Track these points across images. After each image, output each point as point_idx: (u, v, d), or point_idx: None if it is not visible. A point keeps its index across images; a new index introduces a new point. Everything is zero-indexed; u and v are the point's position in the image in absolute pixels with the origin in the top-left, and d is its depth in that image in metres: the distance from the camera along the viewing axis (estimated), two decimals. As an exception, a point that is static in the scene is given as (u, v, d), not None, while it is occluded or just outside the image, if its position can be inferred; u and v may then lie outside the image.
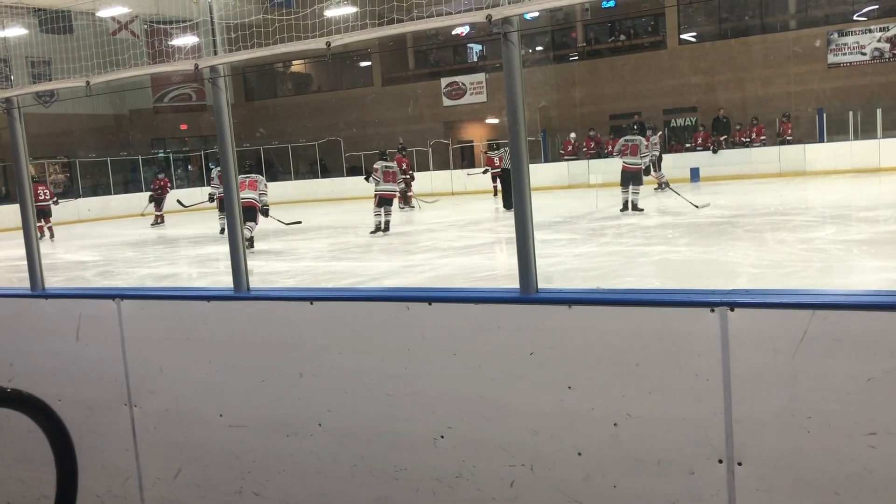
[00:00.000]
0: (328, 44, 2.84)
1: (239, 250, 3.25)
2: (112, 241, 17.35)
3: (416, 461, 2.78)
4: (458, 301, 2.71)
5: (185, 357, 3.25)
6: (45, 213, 18.22)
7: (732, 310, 2.28)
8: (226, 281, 5.33)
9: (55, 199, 19.13)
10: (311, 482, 3.00)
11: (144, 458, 3.36)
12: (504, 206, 17.80)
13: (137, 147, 30.40)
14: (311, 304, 3.00)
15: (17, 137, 3.69)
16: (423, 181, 26.19)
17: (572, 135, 24.89)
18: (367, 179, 15.73)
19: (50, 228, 18.34)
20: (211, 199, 16.25)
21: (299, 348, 3.02)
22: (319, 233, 16.30)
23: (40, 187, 18.57)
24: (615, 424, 2.45)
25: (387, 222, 14.62)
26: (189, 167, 32.61)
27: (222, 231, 16.87)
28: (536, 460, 2.57)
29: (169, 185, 22.58)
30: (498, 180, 21.04)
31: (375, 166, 14.97)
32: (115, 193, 27.82)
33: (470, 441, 2.68)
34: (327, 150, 29.58)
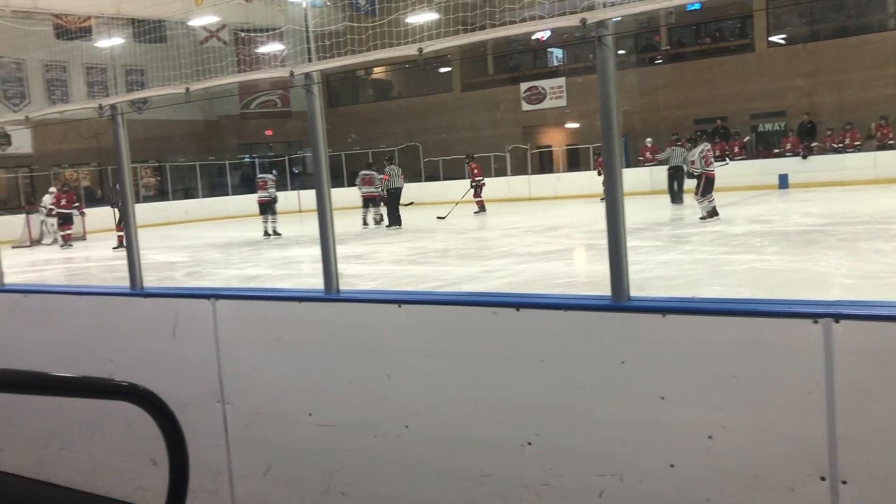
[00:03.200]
0: (420, 50, 2.86)
1: (330, 253, 3.30)
2: (200, 243, 17.94)
3: (503, 467, 2.77)
4: (547, 307, 2.69)
5: (276, 356, 3.33)
6: (66, 220, 19.16)
7: (837, 321, 2.19)
8: (309, 283, 5.45)
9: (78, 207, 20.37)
10: (397, 484, 3.02)
11: (235, 455, 3.45)
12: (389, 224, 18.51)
13: (225, 152, 31.38)
14: (399, 306, 3.02)
15: (121, 142, 3.86)
16: (501, 186, 26.19)
17: (649, 140, 24.41)
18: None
19: (65, 237, 19.27)
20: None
21: (387, 350, 3.05)
22: (398, 237, 16.48)
23: (63, 196, 19.45)
24: (710, 437, 2.38)
25: (374, 218, 18.17)
26: (274, 172, 33.42)
27: (265, 234, 17.80)
28: (626, 471, 2.53)
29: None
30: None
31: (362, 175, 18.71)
32: (202, 197, 28.79)
33: (558, 449, 2.66)
34: (406, 156, 29.88)
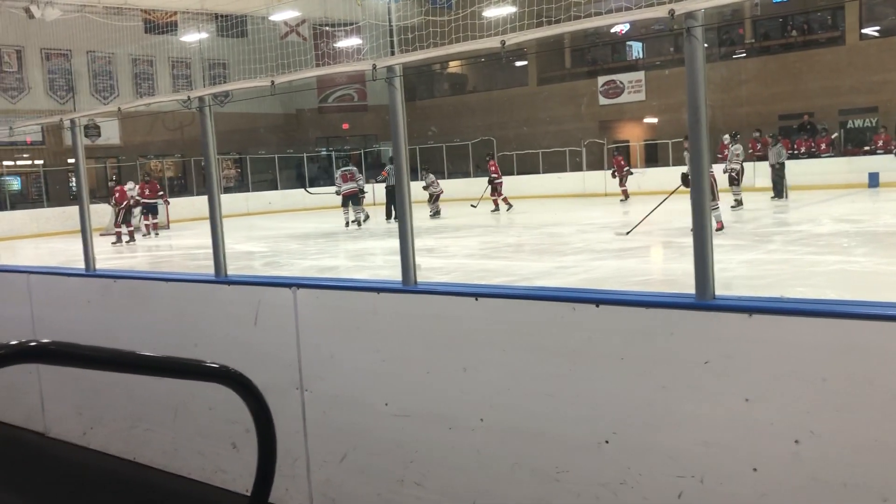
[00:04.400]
0: (503, 42, 2.85)
1: (408, 245, 3.33)
2: (278, 234, 18.35)
3: (579, 464, 2.74)
4: (628, 304, 2.64)
5: (354, 346, 3.37)
6: (151, 210, 19.68)
7: (937, 326, 2.09)
8: (382, 275, 5.52)
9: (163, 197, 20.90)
10: (471, 476, 3.03)
11: (313, 442, 3.51)
12: (386, 217, 19.61)
13: (302, 145, 31.99)
14: (476, 300, 3.02)
15: (208, 133, 3.96)
16: (576, 182, 25.93)
17: (725, 137, 23.72)
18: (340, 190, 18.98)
19: (151, 226, 19.74)
20: (337, 194, 18.99)
21: (463, 343, 3.05)
22: (470, 231, 16.50)
23: (146, 186, 19.87)
24: (796, 441, 2.30)
25: (356, 219, 18.31)
26: (350, 165, 33.92)
27: (347, 224, 18.25)
28: (707, 473, 2.47)
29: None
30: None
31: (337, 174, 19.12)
32: (280, 189, 29.41)
33: (636, 448, 2.61)
34: (480, 150, 29.87)
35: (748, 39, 26.82)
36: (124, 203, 18.42)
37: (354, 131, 33.39)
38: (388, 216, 19.68)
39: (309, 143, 32.78)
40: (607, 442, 2.67)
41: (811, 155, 22.81)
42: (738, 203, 16.48)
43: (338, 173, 19.50)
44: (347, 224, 18.51)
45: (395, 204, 16.51)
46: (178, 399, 4.09)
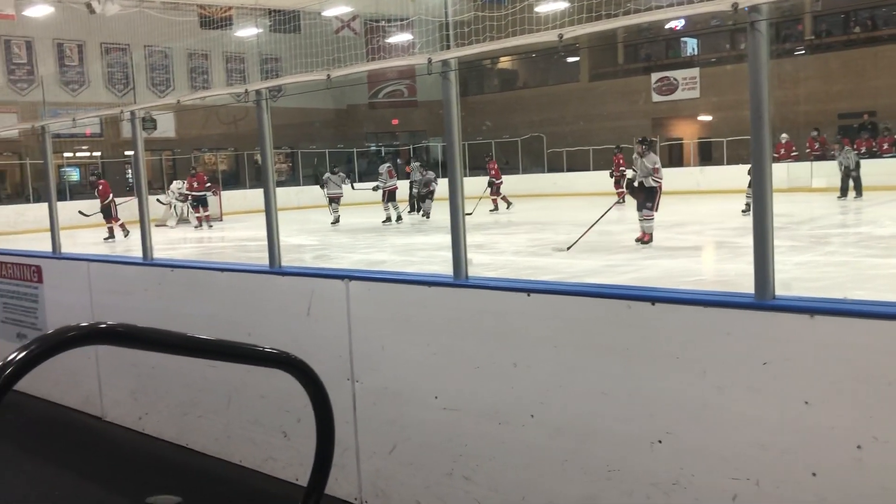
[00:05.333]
0: (560, 36, 2.82)
1: (460, 239, 3.33)
2: (328, 227, 18.52)
3: (631, 463, 2.71)
4: (685, 303, 2.60)
5: (405, 338, 3.39)
6: (201, 202, 19.89)
7: None
8: (430, 270, 5.54)
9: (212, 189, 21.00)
10: (521, 472, 3.02)
11: (363, 432, 3.54)
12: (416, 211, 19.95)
13: (353, 140, 32.23)
14: (529, 295, 3.01)
15: (264, 126, 4.02)
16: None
17: (784, 136, 23.16)
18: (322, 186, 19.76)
19: (203, 218, 19.87)
20: (376, 189, 19.28)
21: (514, 338, 3.04)
22: (519, 228, 16.44)
23: (194, 179, 20.06)
24: (858, 447, 2.24)
25: (336, 217, 18.77)
26: (398, 161, 34.12)
27: (386, 220, 18.25)
28: (763, 476, 2.42)
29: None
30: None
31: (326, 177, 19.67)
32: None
33: (690, 448, 2.57)
34: (529, 147, 29.71)
35: (808, 36, 26.16)
36: (107, 199, 17.52)
37: (404, 127, 33.52)
38: (412, 209, 20.32)
39: (359, 138, 33.01)
40: (660, 441, 2.63)
41: (872, 155, 22.15)
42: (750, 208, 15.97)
43: (383, 168, 19.63)
44: (390, 220, 18.62)
45: (417, 198, 16.23)
46: (231, 387, 4.16)
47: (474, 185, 23.29)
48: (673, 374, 2.60)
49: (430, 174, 20.08)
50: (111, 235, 17.25)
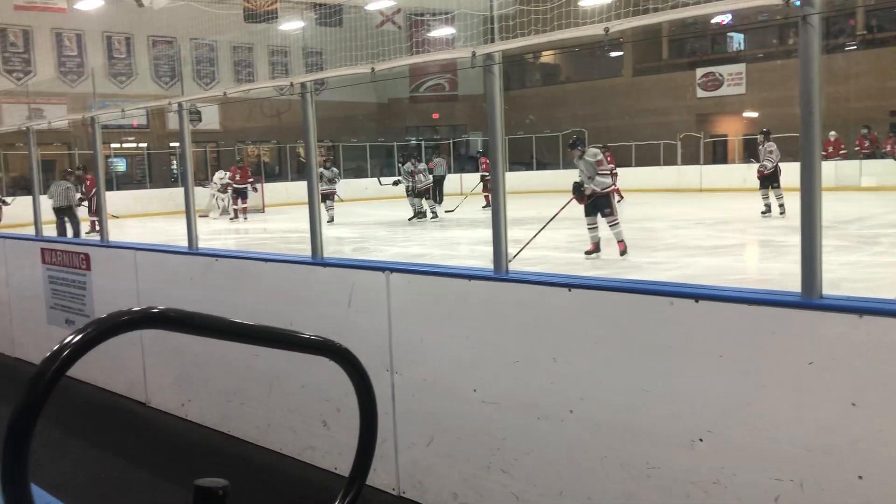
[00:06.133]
0: (606, 30, 2.80)
1: (501, 233, 3.32)
2: (368, 220, 18.63)
3: (671, 461, 2.69)
4: (729, 301, 2.57)
5: (444, 331, 3.40)
6: (241, 195, 20.05)
7: None
8: (468, 264, 5.55)
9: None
10: (559, 467, 3.01)
11: (401, 424, 3.56)
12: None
13: (394, 134, 32.34)
14: (570, 290, 3.00)
15: (308, 119, 4.05)
16: (670, 176, 25.29)
17: (832, 133, 22.61)
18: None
19: (241, 210, 20.03)
20: (396, 183, 18.83)
21: (554, 334, 3.03)
22: (558, 223, 16.32)
23: (238, 171, 20.25)
24: (907, 451, 2.19)
25: (431, 210, 18.31)
26: (439, 155, 34.15)
27: (412, 217, 17.93)
28: (807, 478, 2.38)
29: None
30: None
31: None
32: (370, 177, 29.82)
33: (731, 448, 2.54)
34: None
35: (860, 30, 25.52)
36: (92, 192, 16.18)
37: (444, 121, 33.54)
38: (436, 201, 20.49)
39: (400, 132, 33.11)
40: (701, 440, 2.60)
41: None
42: (772, 209, 14.93)
43: (420, 166, 19.17)
44: (423, 215, 18.39)
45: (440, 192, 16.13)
46: (273, 376, 4.22)
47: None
48: (715, 372, 2.57)
49: (422, 166, 19.31)
50: (93, 229, 16.13)
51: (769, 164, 15.24)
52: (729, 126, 28.28)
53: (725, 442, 2.55)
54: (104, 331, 1.02)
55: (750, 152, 20.10)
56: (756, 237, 12.79)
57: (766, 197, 15.21)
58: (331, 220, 17.44)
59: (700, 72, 27.71)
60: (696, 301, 2.62)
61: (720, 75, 27.10)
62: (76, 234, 14.79)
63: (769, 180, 15.13)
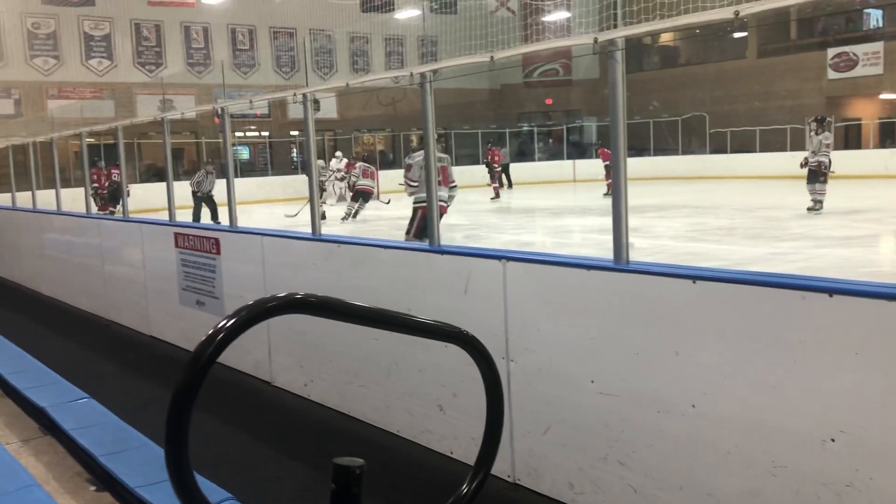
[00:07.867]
0: (736, 13, 2.70)
1: (621, 222, 3.27)
2: (480, 208, 18.70)
3: (800, 461, 2.58)
4: (868, 296, 2.43)
5: (561, 320, 3.38)
6: (364, 196, 20.08)
7: None
8: (581, 252, 5.50)
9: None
10: (679, 461, 2.95)
11: (517, 412, 3.58)
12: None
13: (506, 120, 32.25)
14: (694, 282, 2.92)
15: (427, 108, 4.11)
16: (796, 162, 24.06)
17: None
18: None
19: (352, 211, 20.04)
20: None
21: (677, 326, 2.96)
22: (678, 212, 15.88)
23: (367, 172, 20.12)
24: None
25: (356, 212, 17.12)
26: (550, 141, 33.82)
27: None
28: (953, 486, 2.24)
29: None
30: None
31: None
32: (481, 164, 29.90)
33: (868, 449, 2.42)
34: (691, 127, 28.58)
35: None
36: (107, 188, 17.14)
37: (558, 106, 33.15)
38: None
39: (513, 118, 32.99)
40: (833, 440, 2.49)
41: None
42: (817, 204, 13.88)
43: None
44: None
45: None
46: (391, 359, 4.32)
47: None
48: (850, 369, 2.45)
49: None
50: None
51: (825, 160, 13.84)
52: (864, 109, 26.66)
53: (861, 443, 2.43)
54: (254, 315, 1.09)
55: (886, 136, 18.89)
56: (892, 227, 12.03)
57: (813, 192, 14.02)
58: (322, 216, 16.99)
59: (832, 52, 26.21)
60: (831, 295, 2.50)
61: (854, 55, 25.54)
62: (213, 218, 15.63)
63: (820, 175, 13.88)
